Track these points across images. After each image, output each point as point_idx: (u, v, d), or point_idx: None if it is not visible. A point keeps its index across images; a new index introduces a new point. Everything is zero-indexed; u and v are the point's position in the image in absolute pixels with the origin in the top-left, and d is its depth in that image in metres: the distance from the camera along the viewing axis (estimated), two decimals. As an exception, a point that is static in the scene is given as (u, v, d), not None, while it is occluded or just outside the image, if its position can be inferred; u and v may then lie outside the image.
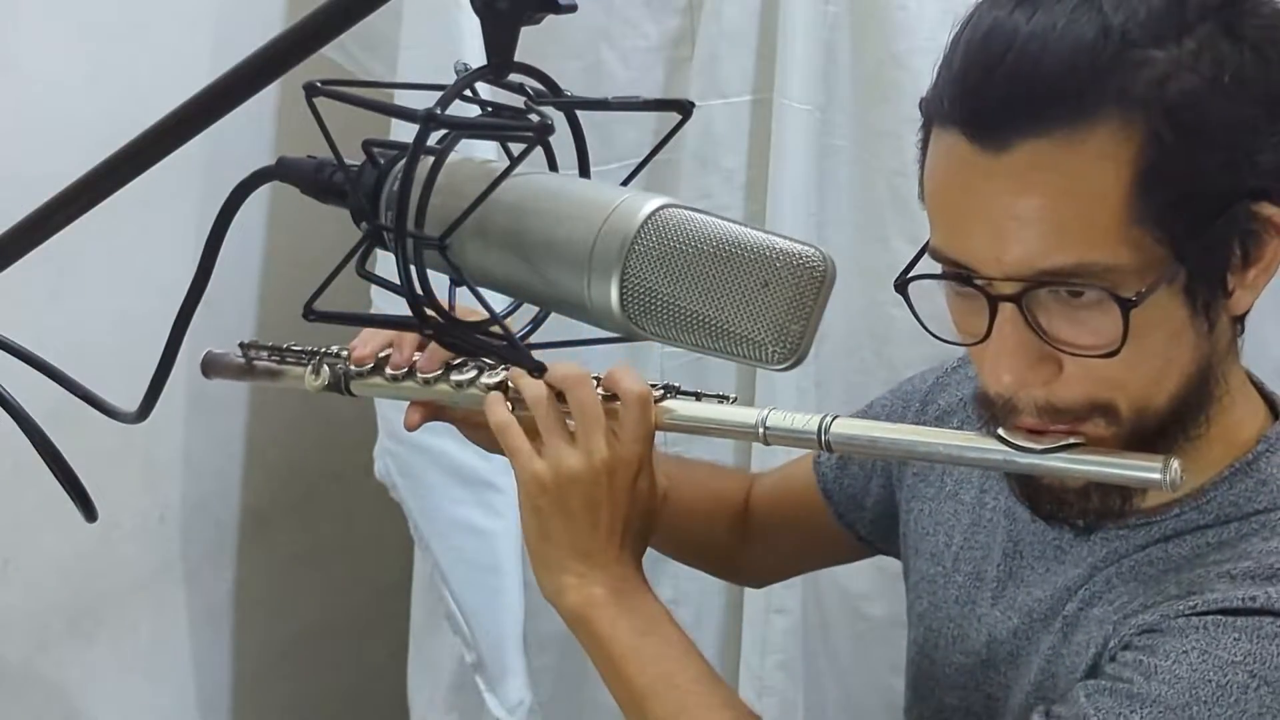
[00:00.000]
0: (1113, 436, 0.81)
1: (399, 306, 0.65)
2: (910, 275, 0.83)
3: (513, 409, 0.94)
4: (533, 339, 0.68)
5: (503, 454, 0.96)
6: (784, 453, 1.55)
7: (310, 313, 0.66)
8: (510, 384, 0.95)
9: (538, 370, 0.65)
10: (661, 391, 0.94)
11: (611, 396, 0.93)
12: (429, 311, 0.64)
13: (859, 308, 1.53)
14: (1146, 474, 0.78)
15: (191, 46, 1.47)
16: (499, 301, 0.65)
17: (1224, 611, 0.78)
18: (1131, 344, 0.75)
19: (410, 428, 1.01)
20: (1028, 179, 0.75)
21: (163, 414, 0.75)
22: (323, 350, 1.03)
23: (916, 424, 1.06)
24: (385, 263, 0.64)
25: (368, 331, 1.01)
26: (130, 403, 0.75)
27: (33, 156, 1.27)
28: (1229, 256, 0.78)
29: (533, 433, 0.93)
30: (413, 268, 0.62)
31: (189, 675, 1.70)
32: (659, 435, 0.96)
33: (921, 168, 0.83)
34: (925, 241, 0.82)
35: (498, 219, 0.62)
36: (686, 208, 0.59)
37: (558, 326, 0.66)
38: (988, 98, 0.76)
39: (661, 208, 0.58)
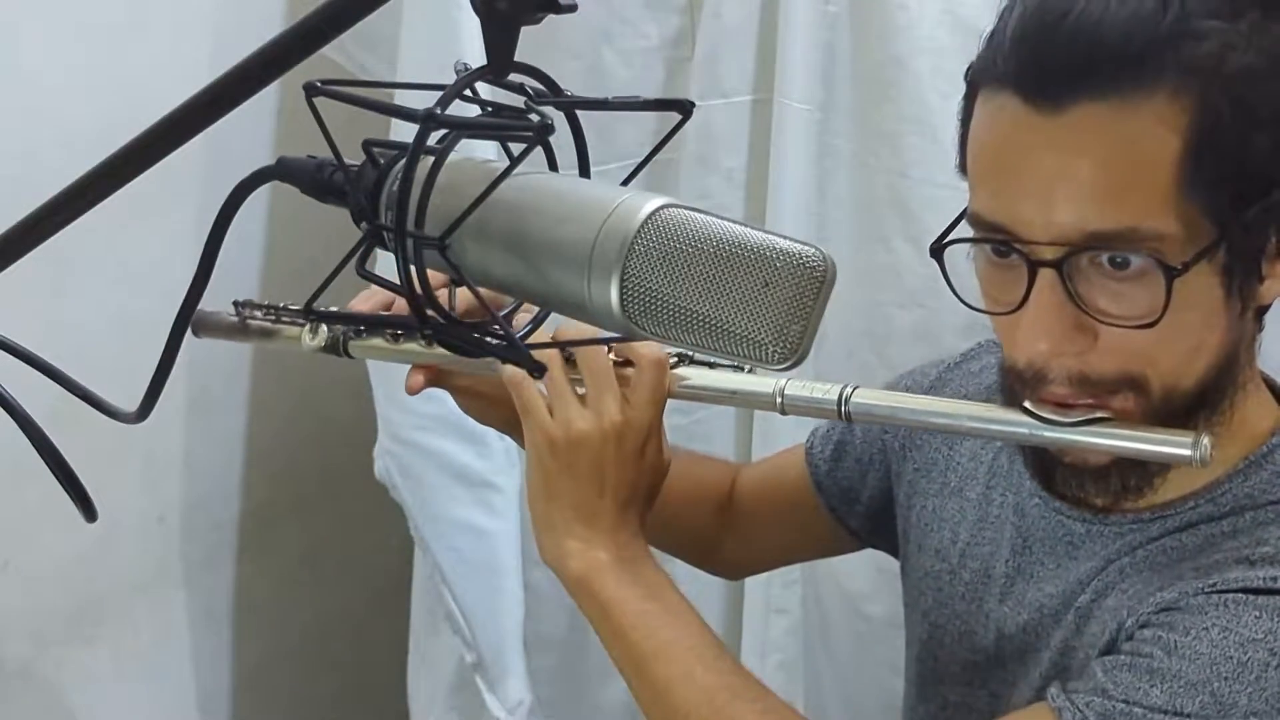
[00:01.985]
0: (1140, 413, 0.81)
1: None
2: (947, 240, 0.83)
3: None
4: (533, 339, 0.68)
5: (495, 427, 0.94)
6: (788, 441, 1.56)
7: (310, 313, 0.66)
8: None
9: (538, 370, 0.65)
10: (675, 359, 0.92)
11: (624, 362, 0.92)
12: (429, 311, 0.64)
13: (859, 308, 1.53)
14: (1177, 449, 0.78)
15: (191, 46, 1.47)
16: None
17: (1245, 590, 0.78)
18: (1169, 317, 0.76)
19: (411, 391, 0.99)
20: (1082, 141, 0.75)
21: (163, 414, 0.75)
22: (321, 310, 1.01)
23: None
24: (385, 263, 0.64)
25: (365, 293, 0.99)
26: (130, 403, 0.75)
27: (33, 156, 1.27)
28: (1265, 243, 0.79)
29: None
30: (413, 268, 0.62)
31: (189, 675, 1.71)
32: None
33: (962, 139, 0.83)
34: (963, 212, 0.82)
35: (498, 219, 0.62)
36: (686, 208, 0.59)
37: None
38: (1045, 59, 0.76)
39: (661, 208, 0.58)
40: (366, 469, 1.62)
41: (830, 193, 1.55)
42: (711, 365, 0.93)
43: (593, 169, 0.68)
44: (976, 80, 0.81)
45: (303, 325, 1.00)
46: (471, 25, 0.81)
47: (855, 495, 1.10)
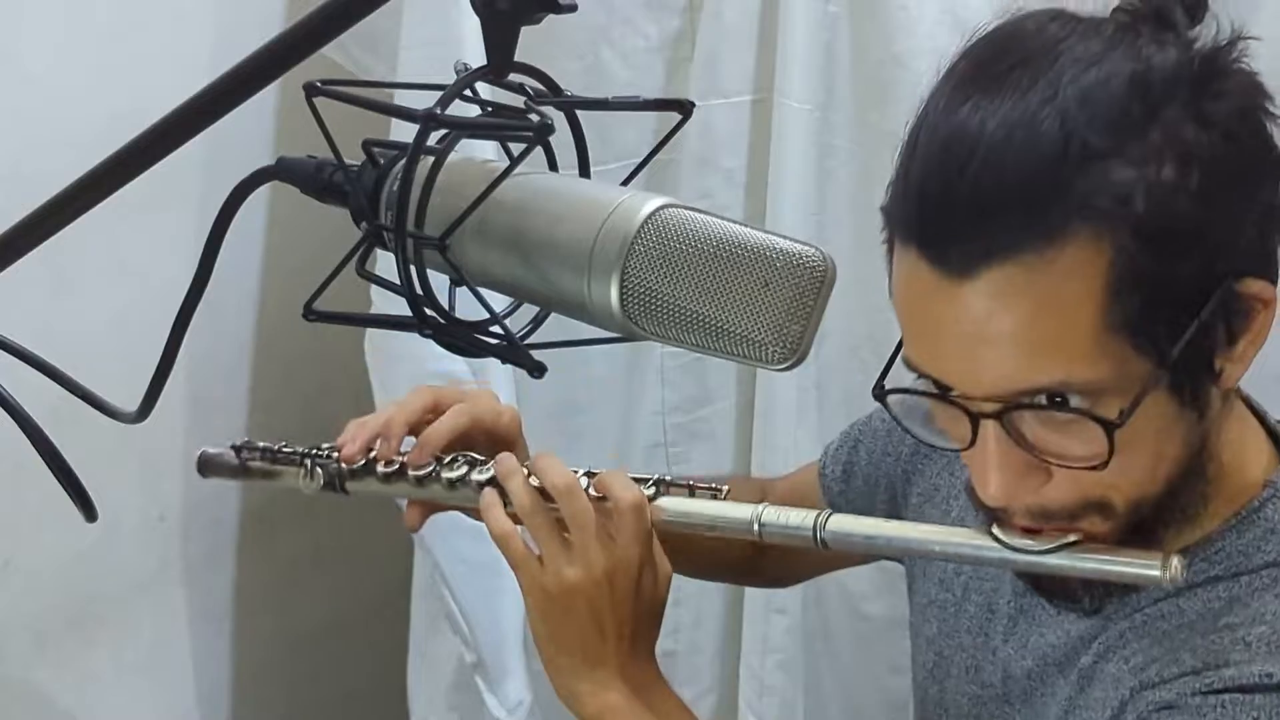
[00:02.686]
0: (1109, 530, 0.79)
1: (399, 306, 0.65)
2: (887, 390, 0.81)
3: (506, 506, 0.93)
4: (533, 339, 0.68)
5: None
6: (785, 449, 1.55)
7: (310, 313, 0.67)
8: (499, 482, 0.94)
9: (538, 371, 0.64)
10: (654, 489, 0.92)
11: (603, 497, 0.91)
12: (429, 311, 0.64)
13: (859, 308, 1.53)
14: (1146, 571, 0.77)
15: (191, 46, 1.47)
16: (499, 301, 0.65)
17: (1241, 689, 0.76)
18: (1120, 452, 0.74)
19: (412, 528, 1.01)
20: (997, 304, 0.73)
21: (163, 414, 0.75)
22: (314, 451, 1.02)
23: (916, 446, 1.05)
24: (385, 262, 0.64)
25: (353, 425, 1.00)
26: (130, 403, 0.75)
27: (33, 156, 1.27)
28: (1215, 342, 0.76)
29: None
30: (413, 268, 0.62)
31: (189, 675, 1.70)
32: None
33: (889, 267, 0.80)
34: (899, 347, 0.80)
35: (498, 219, 0.62)
36: (686, 208, 0.59)
37: (558, 326, 0.66)
38: (948, 226, 0.73)
39: (661, 208, 0.58)
40: (366, 469, 1.62)
41: (830, 193, 1.55)
42: (692, 491, 0.93)
43: (593, 169, 0.68)
44: (889, 224, 0.79)
45: (298, 466, 1.02)
46: (471, 25, 0.81)
47: (866, 514, 1.10)
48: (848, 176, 1.54)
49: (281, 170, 0.69)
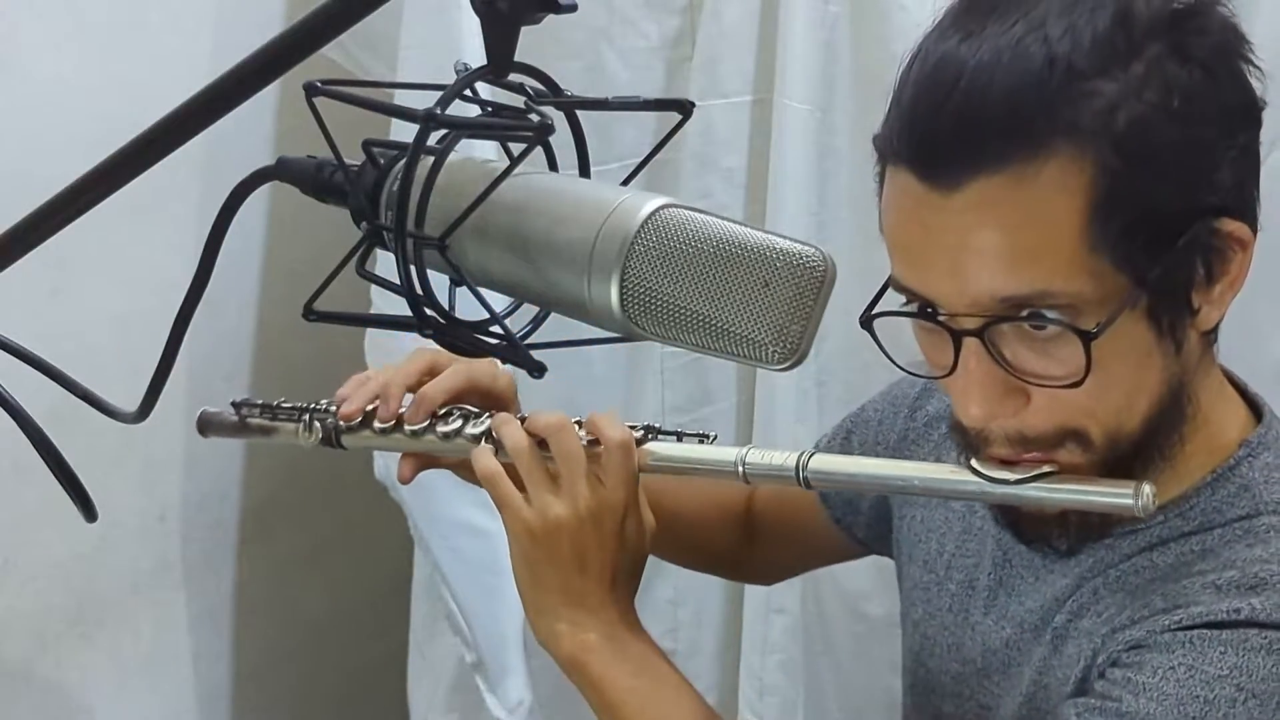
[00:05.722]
0: (1086, 463, 0.80)
1: (399, 306, 0.65)
2: (875, 312, 0.84)
3: (497, 454, 0.94)
4: (533, 339, 0.68)
5: None
6: (785, 449, 1.55)
7: (310, 313, 0.67)
8: (493, 432, 0.95)
9: (538, 371, 0.65)
10: (642, 433, 0.94)
11: (594, 441, 0.92)
12: (429, 311, 0.64)
13: (859, 308, 1.53)
14: (1119, 500, 0.78)
15: (191, 46, 1.47)
16: (499, 301, 0.65)
17: (1209, 625, 0.78)
18: (1097, 372, 0.75)
19: (403, 481, 1.02)
20: (982, 214, 0.75)
21: (163, 414, 0.75)
22: (312, 406, 1.03)
23: (906, 429, 1.06)
24: (385, 262, 0.64)
25: (354, 381, 1.01)
26: (130, 403, 0.75)
27: (33, 156, 1.27)
28: (1192, 276, 0.78)
29: (520, 481, 0.94)
30: (413, 268, 0.62)
31: (189, 675, 1.70)
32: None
33: (880, 200, 0.83)
34: (889, 277, 0.82)
35: (498, 219, 0.62)
36: (686, 208, 0.59)
37: (558, 326, 0.66)
38: (936, 138, 0.76)
39: (661, 208, 0.58)
40: (366, 469, 1.62)
41: (830, 193, 1.55)
42: (679, 437, 0.94)
43: (593, 169, 0.68)
44: (881, 153, 0.82)
45: (296, 422, 1.03)
46: (471, 25, 0.81)
47: (857, 505, 1.11)
48: (848, 176, 1.54)
49: (281, 170, 0.69)
